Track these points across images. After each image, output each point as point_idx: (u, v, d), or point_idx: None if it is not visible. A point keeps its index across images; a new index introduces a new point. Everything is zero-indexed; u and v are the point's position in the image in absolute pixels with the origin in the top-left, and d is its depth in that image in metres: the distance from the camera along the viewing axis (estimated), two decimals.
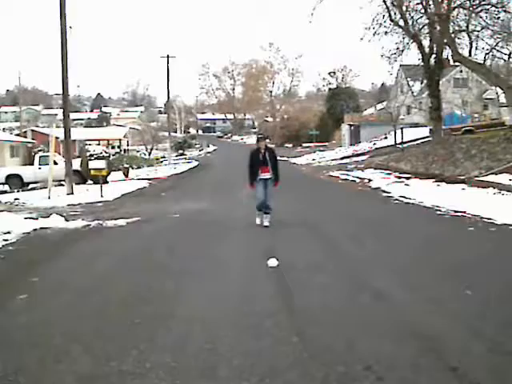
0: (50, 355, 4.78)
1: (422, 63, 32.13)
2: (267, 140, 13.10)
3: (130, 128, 79.25)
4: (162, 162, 55.62)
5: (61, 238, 11.73)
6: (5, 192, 27.87)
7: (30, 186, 30.08)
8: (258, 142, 12.28)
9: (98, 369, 4.45)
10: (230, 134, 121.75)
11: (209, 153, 79.26)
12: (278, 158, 12.75)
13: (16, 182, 29.73)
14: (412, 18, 31.00)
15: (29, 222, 13.46)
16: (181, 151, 77.10)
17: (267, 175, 11.98)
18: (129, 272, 8.11)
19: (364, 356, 4.54)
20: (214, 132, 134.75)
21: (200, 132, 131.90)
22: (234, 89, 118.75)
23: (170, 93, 56.46)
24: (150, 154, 63.53)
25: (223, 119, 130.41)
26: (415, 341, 4.92)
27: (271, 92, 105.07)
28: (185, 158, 65.38)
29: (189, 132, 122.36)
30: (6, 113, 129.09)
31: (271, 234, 11.15)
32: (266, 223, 11.96)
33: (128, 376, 4.30)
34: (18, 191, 27.65)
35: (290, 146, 73.55)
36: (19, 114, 71.68)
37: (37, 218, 14.33)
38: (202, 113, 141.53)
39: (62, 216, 14.43)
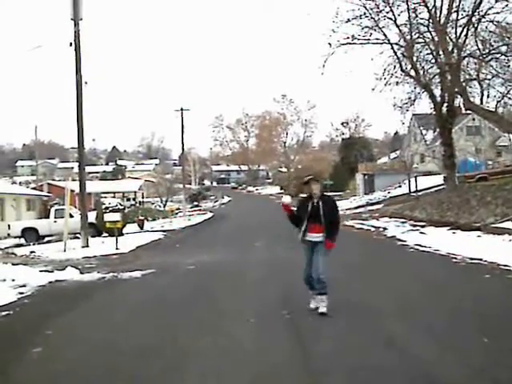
0: None
1: (434, 112, 32.27)
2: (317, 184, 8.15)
3: (145, 180, 80.00)
4: (176, 213, 55.75)
5: (76, 290, 11.76)
6: (21, 245, 28.06)
7: (46, 238, 30.28)
8: (307, 184, 8.07)
9: None
10: (244, 185, 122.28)
11: (223, 204, 79.50)
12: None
13: (32, 235, 29.92)
14: (423, 67, 31.35)
15: (44, 275, 13.57)
16: (195, 203, 77.46)
17: (319, 237, 7.97)
18: (143, 325, 8.07)
19: None
20: (229, 183, 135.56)
21: (214, 183, 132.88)
22: (247, 140, 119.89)
23: (184, 145, 57.27)
24: (164, 205, 63.84)
25: (237, 170, 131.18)
26: None
27: (285, 143, 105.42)
28: (199, 210, 65.59)
29: (203, 184, 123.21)
30: (22, 166, 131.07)
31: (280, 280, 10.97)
32: (321, 309, 7.86)
33: None
34: (33, 244, 27.82)
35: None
36: (35, 168, 72.80)
37: (52, 271, 14.39)
38: (217, 164, 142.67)
39: (77, 269, 14.50)
